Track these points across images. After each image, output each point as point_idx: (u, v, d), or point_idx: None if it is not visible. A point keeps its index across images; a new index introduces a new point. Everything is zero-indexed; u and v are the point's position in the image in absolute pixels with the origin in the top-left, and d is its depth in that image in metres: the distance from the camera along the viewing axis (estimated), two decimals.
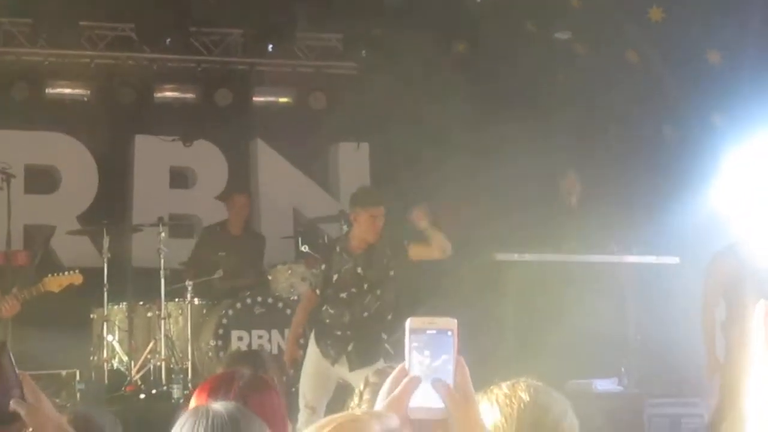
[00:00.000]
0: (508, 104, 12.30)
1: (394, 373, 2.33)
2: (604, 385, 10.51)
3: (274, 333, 10.77)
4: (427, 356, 2.26)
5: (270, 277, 11.29)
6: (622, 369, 10.80)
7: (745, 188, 11.15)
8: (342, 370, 8.81)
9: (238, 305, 10.77)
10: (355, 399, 4.30)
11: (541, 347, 10.30)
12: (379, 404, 2.32)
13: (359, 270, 8.98)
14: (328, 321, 8.95)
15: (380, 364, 8.40)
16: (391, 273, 9.03)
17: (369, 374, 4.34)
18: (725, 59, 11.01)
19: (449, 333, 2.26)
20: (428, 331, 2.26)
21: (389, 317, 8.99)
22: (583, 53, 12.55)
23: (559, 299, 11.04)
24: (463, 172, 12.30)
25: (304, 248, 11.38)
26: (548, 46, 12.61)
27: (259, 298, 10.83)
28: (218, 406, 3.02)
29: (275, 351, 10.60)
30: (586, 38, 12.47)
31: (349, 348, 8.82)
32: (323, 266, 9.13)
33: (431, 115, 12.60)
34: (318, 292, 9.07)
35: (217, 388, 3.79)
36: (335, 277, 8.97)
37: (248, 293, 10.87)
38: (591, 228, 11.40)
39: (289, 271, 11.26)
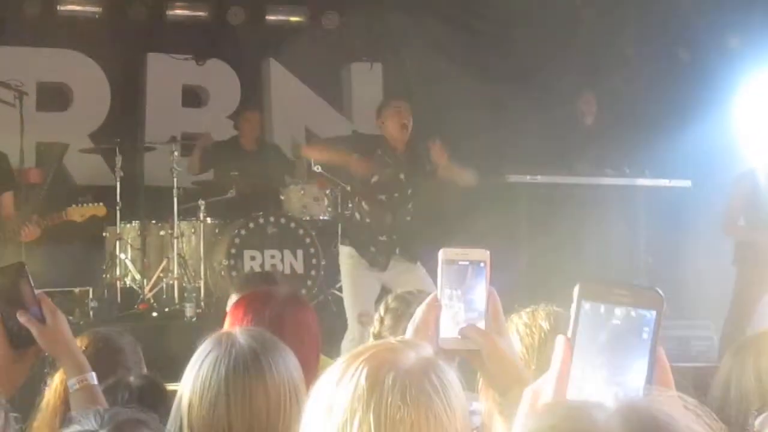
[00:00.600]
0: (525, 26, 12.20)
1: (427, 300, 2.34)
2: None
3: (287, 253, 10.78)
4: (459, 287, 2.26)
5: (282, 197, 11.28)
6: None
7: (760, 113, 11.12)
8: (389, 275, 8.82)
9: (251, 225, 10.77)
10: (376, 324, 4.27)
11: (553, 269, 10.32)
12: (410, 333, 2.33)
13: (402, 176, 8.97)
14: (368, 221, 8.95)
15: None
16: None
17: (388, 298, 4.32)
18: None
19: (482, 264, 2.27)
20: (461, 262, 2.27)
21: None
22: None
23: (571, 221, 11.04)
24: (478, 93, 12.24)
25: (317, 168, 11.35)
26: None
27: (272, 218, 10.82)
28: (243, 338, 2.96)
29: (288, 271, 10.64)
30: None
31: (397, 251, 8.92)
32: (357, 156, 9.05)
33: (446, 36, 12.53)
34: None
35: (253, 305, 3.79)
36: (374, 178, 8.92)
37: (261, 213, 10.85)
38: (605, 149, 11.38)
39: (302, 192, 11.24)
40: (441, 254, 2.27)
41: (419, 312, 2.34)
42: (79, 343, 3.87)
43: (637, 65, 12.24)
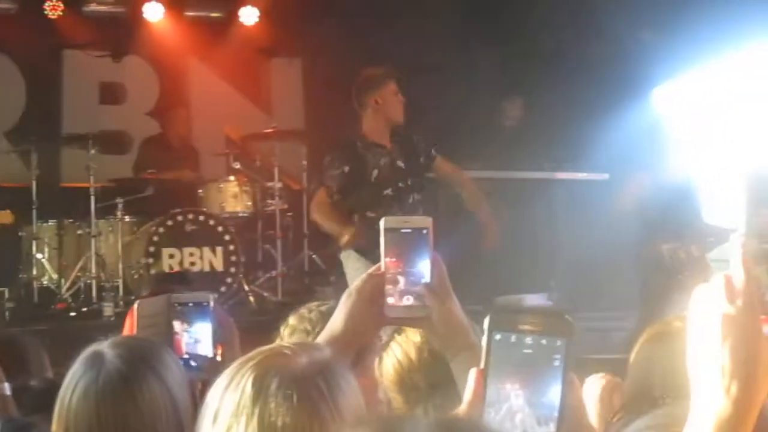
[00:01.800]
0: (444, 21, 12.24)
1: (369, 271, 2.33)
2: (534, 300, 10.57)
3: (206, 250, 10.71)
4: (403, 255, 2.25)
5: (201, 194, 11.21)
6: (552, 284, 10.89)
7: (675, 105, 11.22)
8: None
9: (169, 222, 10.68)
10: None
11: (471, 263, 10.35)
12: (349, 305, 2.31)
13: (400, 163, 8.16)
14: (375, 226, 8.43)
15: None
16: (431, 175, 8.46)
17: (290, 318, 4.16)
18: None
19: (424, 231, 2.25)
20: (403, 230, 2.25)
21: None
22: None
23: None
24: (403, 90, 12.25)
25: (236, 165, 11.31)
26: None
27: (191, 216, 10.74)
28: (112, 358, 2.81)
29: (207, 268, 10.59)
30: None
31: None
32: (345, 168, 7.96)
33: (367, 30, 12.53)
34: (335, 197, 7.97)
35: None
36: (374, 173, 8.04)
37: (179, 210, 10.78)
38: (523, 144, 11.44)
39: (221, 189, 11.19)
40: (382, 223, 2.25)
41: (359, 281, 2.32)
42: None
43: (553, 59, 12.30)
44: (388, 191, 8.01)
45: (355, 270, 7.78)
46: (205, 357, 3.09)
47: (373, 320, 2.34)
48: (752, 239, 1.52)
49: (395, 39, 12.20)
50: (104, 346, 2.85)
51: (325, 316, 3.74)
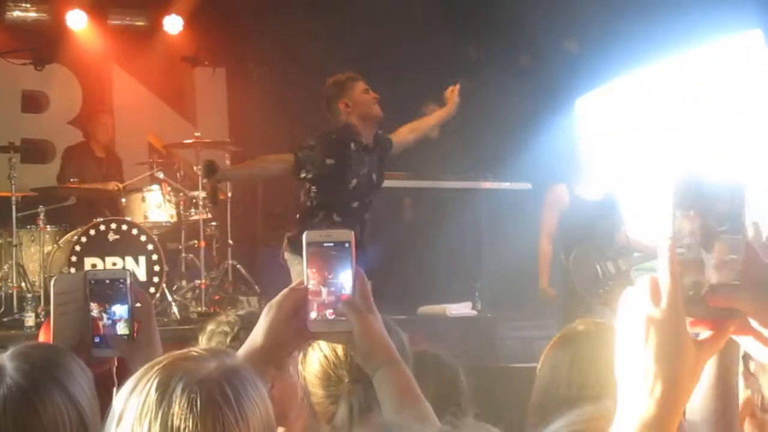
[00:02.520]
0: (369, 27, 12.26)
1: (291, 286, 2.33)
2: (458, 309, 10.63)
3: (129, 260, 10.63)
4: (325, 269, 2.25)
5: (124, 203, 11.14)
6: (476, 293, 10.95)
7: (597, 115, 11.35)
8: None
9: (92, 232, 10.58)
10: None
11: (394, 273, 10.39)
12: (264, 317, 2.31)
13: (374, 177, 8.09)
14: None
15: None
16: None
17: (209, 324, 4.11)
18: None
19: (346, 245, 2.26)
20: (325, 244, 2.25)
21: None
22: None
23: (413, 225, 11.13)
24: (321, 97, 12.26)
25: (160, 174, 11.25)
26: None
27: (113, 225, 10.65)
28: (11, 370, 2.69)
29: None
30: None
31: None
32: (329, 161, 7.78)
33: (288, 38, 12.52)
34: (302, 176, 7.74)
35: None
36: (353, 182, 7.92)
37: (102, 219, 10.69)
38: (448, 153, 11.49)
39: (144, 199, 11.12)
40: (304, 237, 2.25)
41: (280, 296, 2.33)
42: None
43: (481, 69, 12.37)
44: (356, 204, 7.98)
45: (299, 274, 7.53)
46: (122, 336, 3.05)
47: (294, 334, 2.34)
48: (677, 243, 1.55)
49: (318, 47, 12.23)
50: (4, 358, 2.75)
51: (243, 320, 3.75)
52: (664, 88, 10.93)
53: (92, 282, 3.03)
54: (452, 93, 8.82)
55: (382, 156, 8.20)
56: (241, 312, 3.91)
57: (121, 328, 3.04)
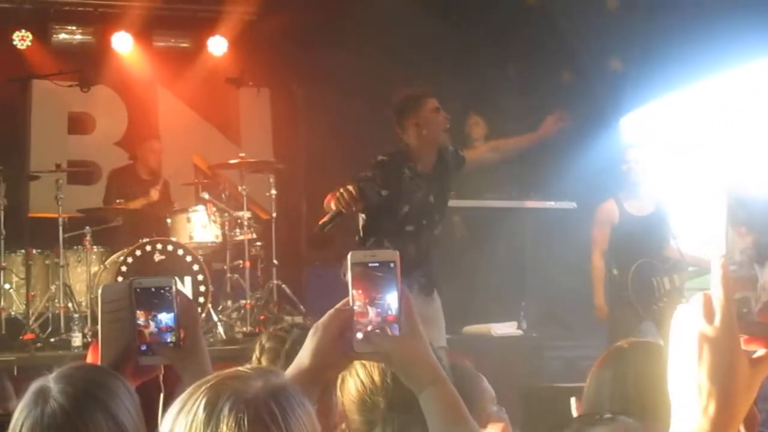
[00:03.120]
0: (407, 51, 12.28)
1: (337, 307, 2.33)
2: (503, 328, 10.61)
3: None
4: (370, 289, 2.25)
5: (169, 224, 11.19)
6: (521, 313, 10.91)
7: (642, 134, 11.29)
8: None
9: (138, 252, 10.64)
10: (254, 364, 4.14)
11: (441, 292, 10.37)
12: (316, 339, 2.31)
13: (431, 198, 7.79)
14: None
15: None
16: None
17: (263, 338, 4.17)
18: (623, 4, 11.09)
19: (391, 265, 2.25)
20: (370, 264, 2.25)
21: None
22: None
23: (457, 244, 11.11)
24: (365, 117, 12.30)
25: (205, 195, 11.29)
26: None
27: (159, 246, 10.70)
28: (56, 393, 2.74)
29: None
30: None
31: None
32: (384, 192, 7.59)
33: (332, 59, 12.57)
34: (361, 207, 7.51)
35: None
36: (405, 209, 7.68)
37: (147, 240, 10.74)
38: (491, 172, 11.48)
39: (189, 219, 11.17)
40: (349, 257, 2.25)
41: (326, 316, 2.33)
42: None
43: (523, 87, 12.36)
44: (411, 228, 7.73)
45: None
46: (168, 344, 3.06)
47: (339, 355, 2.34)
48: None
49: (362, 68, 12.26)
50: (50, 381, 2.78)
51: (291, 335, 3.76)
52: (710, 105, 10.88)
53: (138, 290, 3.04)
54: (552, 121, 8.48)
55: (445, 176, 7.94)
56: (292, 330, 3.93)
57: (168, 336, 3.05)
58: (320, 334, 2.32)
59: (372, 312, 2.25)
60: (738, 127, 10.50)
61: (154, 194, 11.60)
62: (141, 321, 3.05)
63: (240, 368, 2.11)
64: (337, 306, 2.33)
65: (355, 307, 2.26)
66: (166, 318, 3.05)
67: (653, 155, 9.70)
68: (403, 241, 7.54)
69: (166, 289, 3.03)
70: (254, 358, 4.09)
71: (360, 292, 2.26)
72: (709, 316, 1.52)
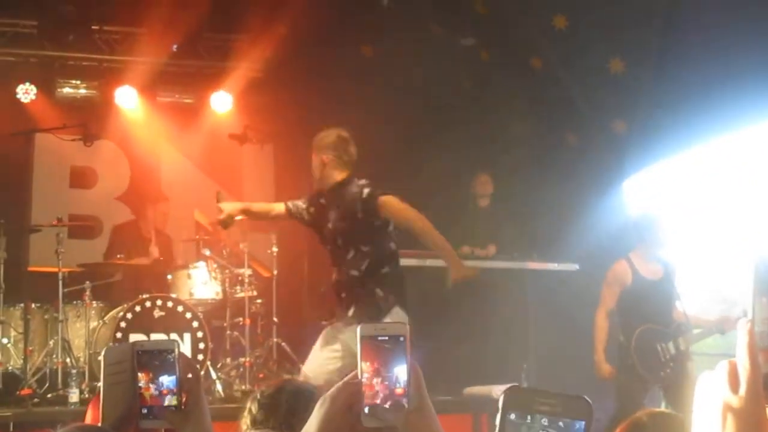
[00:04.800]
0: (413, 108, 12.30)
1: (345, 380, 2.28)
2: (503, 390, 10.52)
3: (173, 336, 10.62)
4: (380, 362, 2.21)
5: (170, 280, 11.15)
6: (522, 374, 10.84)
7: (645, 197, 11.27)
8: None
9: (137, 308, 10.61)
10: (246, 418, 4.11)
11: (441, 353, 10.31)
12: (323, 412, 2.27)
13: (329, 225, 8.33)
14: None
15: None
16: (377, 223, 8.26)
17: (257, 393, 4.13)
18: (628, 68, 11.10)
19: (401, 338, 2.21)
20: (380, 338, 2.21)
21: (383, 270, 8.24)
22: (488, 60, 12.58)
23: (460, 305, 11.05)
24: (369, 175, 12.29)
25: (206, 251, 11.26)
26: (454, 52, 12.64)
27: (159, 302, 10.67)
28: None
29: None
30: (491, 44, 12.51)
31: (350, 312, 8.06)
32: (311, 209, 8.55)
33: (336, 117, 12.57)
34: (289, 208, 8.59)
35: None
36: (326, 228, 8.37)
37: (147, 296, 10.70)
38: (496, 229, 11.46)
39: (189, 276, 11.13)
40: (359, 330, 2.21)
41: (334, 389, 2.28)
42: None
43: (528, 148, 12.36)
44: (330, 247, 8.35)
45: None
46: (170, 407, 3.03)
47: (347, 428, 2.30)
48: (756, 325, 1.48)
49: (366, 126, 12.25)
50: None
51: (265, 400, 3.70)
52: (715, 167, 10.86)
53: (140, 353, 3.01)
54: (471, 271, 8.60)
55: (342, 206, 8.42)
56: (268, 392, 3.88)
57: (169, 399, 3.01)
58: (327, 406, 2.28)
59: (380, 385, 2.21)
60: (745, 188, 10.48)
61: (154, 251, 11.57)
62: (142, 383, 3.02)
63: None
64: (346, 378, 2.30)
65: (363, 380, 2.22)
66: (167, 381, 3.01)
67: (660, 216, 9.66)
68: (333, 258, 8.31)
69: (169, 351, 3.00)
70: (247, 409, 4.04)
71: (369, 364, 2.22)
72: (734, 384, 1.47)
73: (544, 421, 1.56)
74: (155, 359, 3.00)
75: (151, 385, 3.01)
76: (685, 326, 9.24)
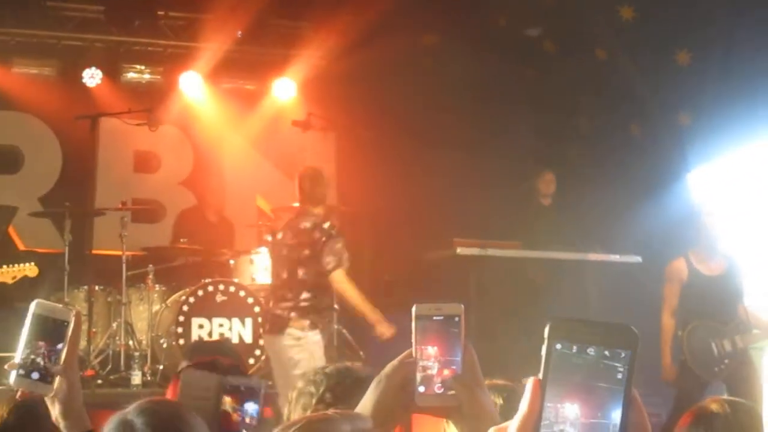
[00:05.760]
0: (477, 99, 12.27)
1: (400, 358, 2.30)
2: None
3: (235, 321, 10.69)
4: (435, 342, 2.22)
5: (232, 265, 11.20)
6: None
7: (710, 189, 11.18)
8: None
9: (200, 292, 10.67)
10: (310, 398, 4.10)
11: (502, 343, 10.29)
12: (379, 391, 2.28)
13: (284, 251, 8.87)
14: None
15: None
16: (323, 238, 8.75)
17: (299, 381, 4.11)
18: (694, 60, 11.02)
19: (456, 319, 2.21)
20: (435, 318, 2.21)
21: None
22: (553, 51, 12.53)
23: (521, 295, 11.03)
24: (432, 163, 12.31)
25: (268, 237, 11.30)
26: (517, 42, 12.60)
27: (221, 287, 10.72)
28: (143, 425, 2.81)
29: (236, 339, 10.55)
30: (557, 36, 12.46)
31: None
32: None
33: (399, 106, 12.59)
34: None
35: None
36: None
37: (210, 281, 10.76)
38: (558, 224, 11.41)
39: (252, 261, 11.18)
40: (414, 310, 2.21)
41: (389, 368, 2.29)
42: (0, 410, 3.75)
43: (591, 140, 12.31)
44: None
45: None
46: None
47: (401, 408, 2.31)
48: None
49: (431, 115, 12.27)
50: (131, 415, 2.81)
51: (329, 377, 3.72)
52: None
53: (228, 387, 3.06)
54: (388, 330, 8.74)
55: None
56: (327, 370, 3.88)
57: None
58: (383, 385, 2.28)
59: (435, 365, 2.22)
60: None
61: (223, 253, 11.59)
62: (228, 407, 3.07)
63: (327, 412, 2.09)
64: (400, 357, 2.30)
65: (418, 360, 2.23)
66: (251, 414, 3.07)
67: (723, 211, 9.59)
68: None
69: (256, 389, 3.05)
70: (290, 397, 4.06)
71: (423, 345, 2.22)
72: None
73: (590, 351, 1.55)
74: (242, 394, 3.05)
75: (234, 414, 3.06)
76: (744, 324, 9.16)
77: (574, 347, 1.54)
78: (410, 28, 12.68)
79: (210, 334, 10.51)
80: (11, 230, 12.43)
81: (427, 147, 12.37)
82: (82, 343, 10.82)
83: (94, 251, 11.49)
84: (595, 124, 12.38)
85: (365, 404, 2.30)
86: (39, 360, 3.00)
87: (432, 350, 2.20)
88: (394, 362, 2.27)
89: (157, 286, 11.12)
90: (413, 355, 2.23)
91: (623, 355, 1.52)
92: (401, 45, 12.61)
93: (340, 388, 3.90)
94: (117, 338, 10.75)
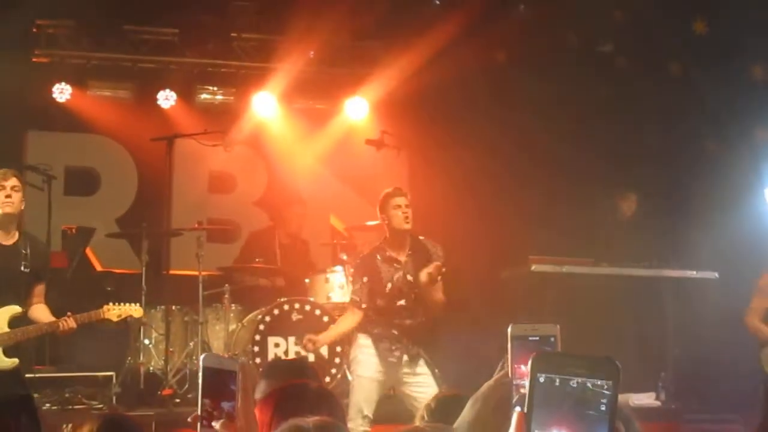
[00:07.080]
0: (549, 117, 12.24)
1: (496, 377, 2.31)
2: (641, 399, 10.43)
3: None
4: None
5: (308, 284, 11.25)
6: (660, 383, 10.72)
7: None
8: (397, 377, 8.60)
9: (276, 311, 10.71)
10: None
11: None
12: (476, 411, 2.29)
13: (409, 277, 8.66)
14: (387, 329, 8.67)
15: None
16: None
17: (430, 401, 4.11)
18: None
19: (552, 339, 2.22)
20: (531, 338, 2.22)
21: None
22: (626, 66, 12.47)
23: (597, 312, 10.98)
24: (504, 182, 12.31)
25: (343, 256, 11.34)
26: (589, 58, 12.56)
27: (297, 305, 10.76)
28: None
29: (311, 358, 10.57)
30: (629, 51, 12.40)
31: (406, 356, 8.61)
32: (365, 279, 8.70)
33: (471, 125, 12.59)
34: (363, 306, 8.64)
35: (286, 401, 3.67)
36: (388, 286, 8.65)
37: (285, 299, 10.81)
38: (634, 241, 11.35)
39: (327, 280, 11.22)
40: (510, 330, 2.22)
41: (486, 388, 2.30)
42: (88, 427, 3.80)
43: (666, 156, 12.22)
44: (402, 302, 8.64)
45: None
46: None
47: (497, 427, 2.32)
48: None
49: (504, 132, 12.26)
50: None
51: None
52: None
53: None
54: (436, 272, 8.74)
55: (420, 258, 8.81)
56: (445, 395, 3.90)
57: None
58: (480, 405, 2.30)
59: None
60: None
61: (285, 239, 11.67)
62: None
63: (418, 425, 2.11)
64: (496, 377, 2.31)
65: (513, 380, 2.24)
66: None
67: None
68: (401, 315, 8.64)
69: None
70: (419, 415, 4.07)
71: (518, 364, 2.23)
72: None
73: (573, 383, 1.57)
74: None
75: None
76: None
77: (558, 379, 1.57)
78: (481, 47, 12.69)
79: (286, 353, 10.55)
80: (89, 251, 12.60)
81: (499, 165, 12.36)
82: (159, 363, 10.94)
83: (171, 271, 11.60)
84: (669, 140, 12.28)
85: (462, 423, 2.32)
86: (215, 412, 3.08)
87: (527, 369, 2.22)
88: (490, 382, 2.28)
89: (233, 305, 11.19)
90: (509, 375, 2.24)
91: (606, 386, 1.55)
92: (472, 63, 12.64)
93: (438, 404, 3.92)
94: (194, 357, 10.83)
